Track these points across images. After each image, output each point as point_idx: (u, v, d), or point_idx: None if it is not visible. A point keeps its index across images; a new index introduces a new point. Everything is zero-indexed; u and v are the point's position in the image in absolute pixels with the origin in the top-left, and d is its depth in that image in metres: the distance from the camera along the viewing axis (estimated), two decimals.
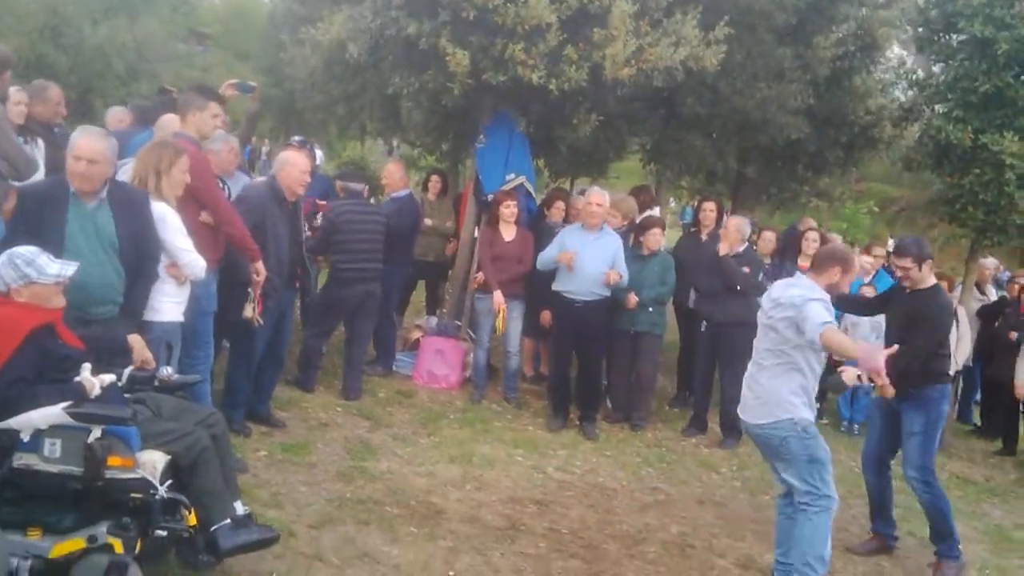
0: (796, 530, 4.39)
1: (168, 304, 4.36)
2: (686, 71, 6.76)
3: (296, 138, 7.17)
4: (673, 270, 6.99)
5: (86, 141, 3.87)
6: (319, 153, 10.40)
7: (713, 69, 6.88)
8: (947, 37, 7.86)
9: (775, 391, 4.35)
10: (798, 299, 4.23)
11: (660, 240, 6.98)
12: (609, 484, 5.79)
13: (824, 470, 4.36)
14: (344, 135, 23.40)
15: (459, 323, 7.87)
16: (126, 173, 4.40)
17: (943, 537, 5.11)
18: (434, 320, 8.01)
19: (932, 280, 4.99)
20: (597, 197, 6.71)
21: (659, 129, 8.70)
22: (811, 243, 7.67)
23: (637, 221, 7.40)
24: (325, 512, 4.64)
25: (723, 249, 6.80)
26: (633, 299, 6.70)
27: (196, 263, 4.35)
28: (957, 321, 7.76)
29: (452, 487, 5.29)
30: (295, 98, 17.49)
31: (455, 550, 4.48)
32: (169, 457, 3.47)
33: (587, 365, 6.86)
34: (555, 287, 6.66)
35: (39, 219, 3.84)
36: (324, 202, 7.01)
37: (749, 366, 4.58)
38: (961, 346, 7.73)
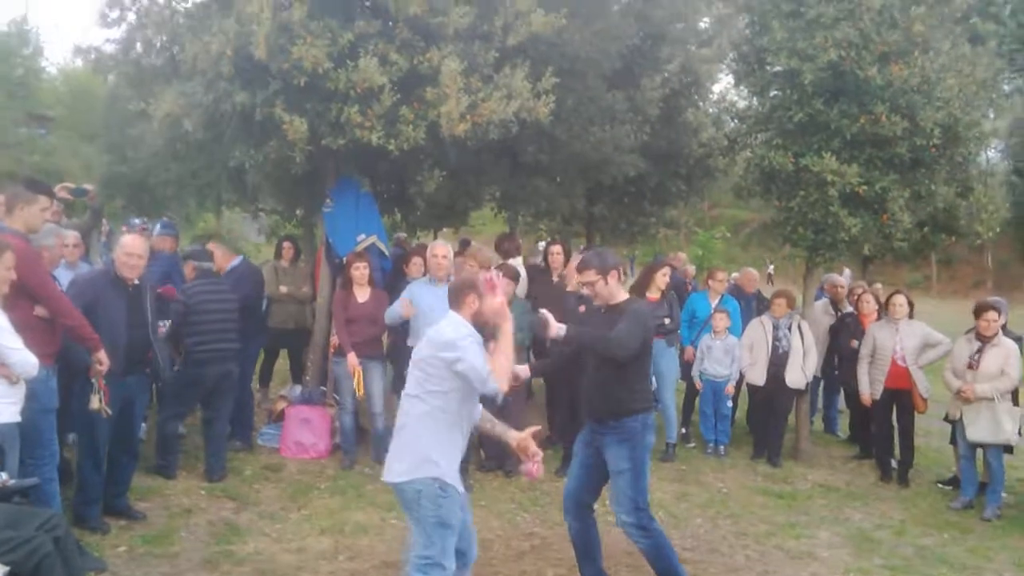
0: None
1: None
2: (520, 122, 6.99)
3: (135, 220, 6.91)
4: (530, 314, 7.15)
5: None
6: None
7: (546, 118, 7.11)
8: (761, 70, 8.26)
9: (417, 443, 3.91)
10: (451, 337, 3.88)
11: (511, 288, 7.04)
12: (485, 536, 5.74)
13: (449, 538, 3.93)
14: (202, 207, 22.86)
15: (324, 389, 7.77)
16: None
17: None
18: (298, 389, 7.87)
19: (624, 294, 4.75)
20: (441, 249, 6.83)
21: (505, 178, 8.94)
22: (662, 277, 7.71)
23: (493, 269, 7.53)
24: None
25: (570, 287, 7.00)
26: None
27: (26, 361, 4.20)
28: (802, 335, 8.20)
29: (323, 560, 5.18)
30: (145, 174, 17.04)
31: None
32: (8, 568, 3.32)
33: None
34: (409, 343, 6.62)
35: None
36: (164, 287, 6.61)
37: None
38: (808, 359, 8.11)
